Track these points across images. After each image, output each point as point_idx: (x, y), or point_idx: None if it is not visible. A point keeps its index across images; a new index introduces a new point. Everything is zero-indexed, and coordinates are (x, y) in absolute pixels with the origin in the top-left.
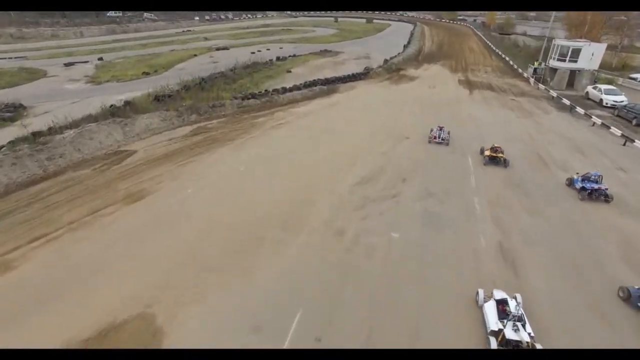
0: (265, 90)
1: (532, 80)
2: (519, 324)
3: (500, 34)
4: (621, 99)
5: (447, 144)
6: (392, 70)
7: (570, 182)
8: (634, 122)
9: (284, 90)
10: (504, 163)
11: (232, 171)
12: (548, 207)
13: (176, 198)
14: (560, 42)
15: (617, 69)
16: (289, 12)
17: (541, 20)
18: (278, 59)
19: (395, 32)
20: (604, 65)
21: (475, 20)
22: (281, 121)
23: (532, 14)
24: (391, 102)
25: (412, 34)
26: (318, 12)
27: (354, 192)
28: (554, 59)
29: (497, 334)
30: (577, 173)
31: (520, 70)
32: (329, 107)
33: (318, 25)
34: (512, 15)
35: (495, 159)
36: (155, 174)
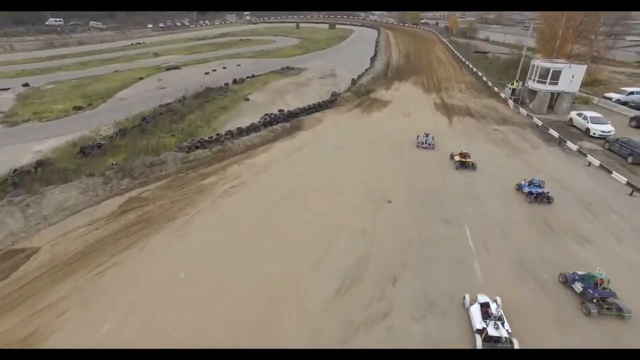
0: (217, 135)
1: (510, 102)
2: (499, 323)
3: (475, 52)
4: (609, 128)
5: (433, 148)
6: (362, 94)
7: (519, 187)
8: (630, 159)
9: (240, 132)
10: (472, 167)
11: (168, 280)
12: (581, 320)
13: (81, 346)
14: (540, 63)
15: (587, 83)
16: (247, 19)
17: (501, 24)
18: (235, 81)
19: (360, 40)
20: None
21: (437, 24)
22: (235, 182)
23: (492, 15)
24: (364, 140)
25: (377, 43)
26: (279, 17)
27: (331, 312)
28: (533, 80)
29: (481, 331)
30: (524, 179)
31: (496, 89)
32: (293, 154)
33: (279, 33)
34: (472, 17)
35: (464, 164)
36: (59, 295)
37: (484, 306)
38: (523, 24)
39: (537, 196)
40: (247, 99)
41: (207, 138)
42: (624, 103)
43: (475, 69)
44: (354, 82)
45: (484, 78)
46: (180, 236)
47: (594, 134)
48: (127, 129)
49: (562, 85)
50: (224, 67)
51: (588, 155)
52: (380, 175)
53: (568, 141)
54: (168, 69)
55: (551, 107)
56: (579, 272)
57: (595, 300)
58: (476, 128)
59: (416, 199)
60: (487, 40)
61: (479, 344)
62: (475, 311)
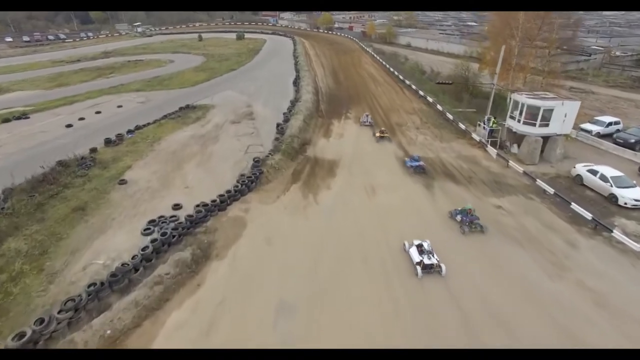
0: (42, 323)
1: (491, 149)
2: (430, 255)
3: (438, 83)
4: None
5: (372, 125)
6: (296, 152)
7: (404, 163)
8: None
9: (95, 293)
10: (389, 140)
11: None
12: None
13: None
14: (525, 99)
15: None
16: (140, 30)
17: (414, 27)
18: (108, 142)
19: (274, 54)
20: None
21: (351, 29)
22: None
23: (401, 16)
24: (326, 276)
25: (296, 58)
26: (180, 26)
27: None
28: (517, 120)
29: (420, 263)
30: (408, 156)
31: (462, 126)
32: (203, 346)
33: (178, 49)
34: (383, 19)
35: (383, 138)
36: None
37: (419, 246)
38: (435, 27)
39: (416, 168)
40: (122, 182)
41: (13, 336)
42: (604, 136)
43: (421, 92)
44: (280, 129)
45: (439, 107)
46: None
47: (626, 204)
48: None
49: (555, 127)
50: (98, 112)
51: None
52: None
53: (615, 230)
54: (7, 119)
55: (540, 152)
56: (458, 208)
57: (467, 224)
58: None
59: None
60: (408, 46)
61: (419, 272)
62: (413, 251)
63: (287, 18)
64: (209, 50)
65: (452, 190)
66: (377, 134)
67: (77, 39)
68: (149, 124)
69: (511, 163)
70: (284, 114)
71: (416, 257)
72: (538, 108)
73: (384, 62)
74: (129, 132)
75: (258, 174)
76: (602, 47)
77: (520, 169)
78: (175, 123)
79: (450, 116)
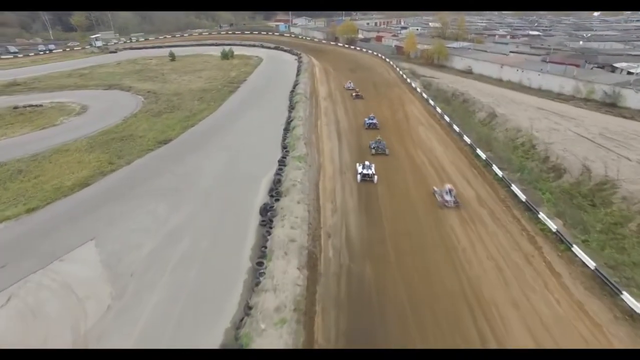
0: None
1: None
2: (369, 169)
3: None
4: None
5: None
6: None
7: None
8: None
9: None
10: (362, 97)
11: None
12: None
13: None
14: None
15: None
16: (99, 45)
17: (462, 39)
18: None
19: (261, 94)
20: None
21: (380, 40)
22: None
23: (441, 20)
24: None
25: (292, 106)
26: (163, 40)
27: None
28: None
29: (361, 173)
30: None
31: None
32: None
33: (124, 79)
34: (416, 28)
35: (358, 95)
36: None
37: (363, 164)
38: (486, 37)
39: (370, 125)
40: None
41: None
42: None
43: (633, 302)
44: None
45: None
46: None
47: None
48: None
49: None
50: None
51: None
52: None
53: None
54: None
55: None
56: (373, 141)
57: (375, 148)
58: None
59: None
60: (469, 72)
61: (359, 178)
62: (359, 166)
63: (300, 25)
64: (164, 83)
65: None
66: (353, 94)
67: (21, 55)
68: None
69: None
70: None
71: (360, 169)
72: None
73: (450, 122)
74: None
75: None
76: None
77: None
78: None
79: None
